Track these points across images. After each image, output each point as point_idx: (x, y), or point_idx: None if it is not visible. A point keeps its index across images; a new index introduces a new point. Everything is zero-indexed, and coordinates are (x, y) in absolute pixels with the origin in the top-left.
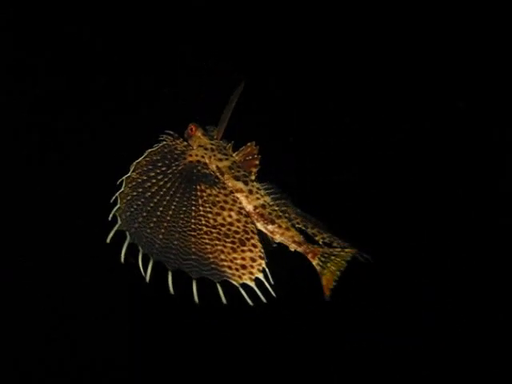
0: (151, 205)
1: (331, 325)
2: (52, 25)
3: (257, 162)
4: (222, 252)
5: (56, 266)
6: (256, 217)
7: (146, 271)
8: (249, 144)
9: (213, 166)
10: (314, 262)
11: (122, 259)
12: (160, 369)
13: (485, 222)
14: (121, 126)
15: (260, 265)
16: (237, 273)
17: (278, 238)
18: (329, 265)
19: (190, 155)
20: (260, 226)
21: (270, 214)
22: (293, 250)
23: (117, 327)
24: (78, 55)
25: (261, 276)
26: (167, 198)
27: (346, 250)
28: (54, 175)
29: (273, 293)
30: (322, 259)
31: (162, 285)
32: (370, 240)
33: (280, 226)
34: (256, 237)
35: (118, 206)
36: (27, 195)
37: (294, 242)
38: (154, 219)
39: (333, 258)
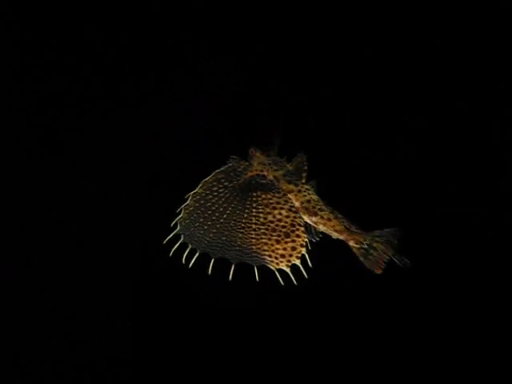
0: (209, 212)
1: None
2: (52, 24)
3: (305, 168)
4: (266, 244)
5: (55, 266)
6: (302, 211)
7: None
8: (299, 155)
9: (270, 176)
10: (356, 248)
11: (171, 254)
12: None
13: (485, 222)
14: (120, 126)
15: (299, 252)
16: (275, 260)
17: (321, 228)
18: (375, 245)
19: (251, 171)
20: (306, 218)
21: (313, 207)
22: (335, 237)
23: (117, 327)
24: (77, 55)
25: (298, 262)
26: (224, 205)
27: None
28: (53, 175)
29: (305, 274)
30: (366, 242)
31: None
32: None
33: (322, 218)
34: (301, 228)
35: (181, 216)
36: (27, 195)
37: (336, 230)
38: (209, 223)
39: (377, 238)
